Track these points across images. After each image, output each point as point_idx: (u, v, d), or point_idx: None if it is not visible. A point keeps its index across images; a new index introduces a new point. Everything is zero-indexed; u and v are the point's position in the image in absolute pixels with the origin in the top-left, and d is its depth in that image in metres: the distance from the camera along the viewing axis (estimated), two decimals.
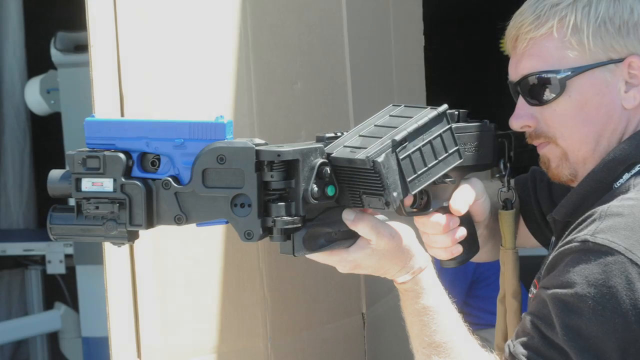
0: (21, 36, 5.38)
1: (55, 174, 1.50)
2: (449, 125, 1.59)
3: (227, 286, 1.96)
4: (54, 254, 4.76)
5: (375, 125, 1.56)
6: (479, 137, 1.78)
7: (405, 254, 1.58)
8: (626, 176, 1.64)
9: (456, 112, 1.75)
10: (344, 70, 2.19)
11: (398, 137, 1.50)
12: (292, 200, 1.45)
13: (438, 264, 1.72)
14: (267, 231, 1.46)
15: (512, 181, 1.88)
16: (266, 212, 1.44)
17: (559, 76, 1.66)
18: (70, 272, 4.73)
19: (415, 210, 1.70)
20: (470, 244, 1.78)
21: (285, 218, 1.44)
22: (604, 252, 1.52)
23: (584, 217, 1.60)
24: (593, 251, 1.52)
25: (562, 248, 1.57)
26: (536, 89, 1.69)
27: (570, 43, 1.66)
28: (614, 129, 1.68)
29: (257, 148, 1.43)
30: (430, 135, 1.56)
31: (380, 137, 1.51)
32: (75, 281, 4.59)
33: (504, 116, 1.79)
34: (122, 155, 1.45)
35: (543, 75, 1.67)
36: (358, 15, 2.25)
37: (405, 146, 1.52)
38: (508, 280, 1.87)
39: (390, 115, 1.58)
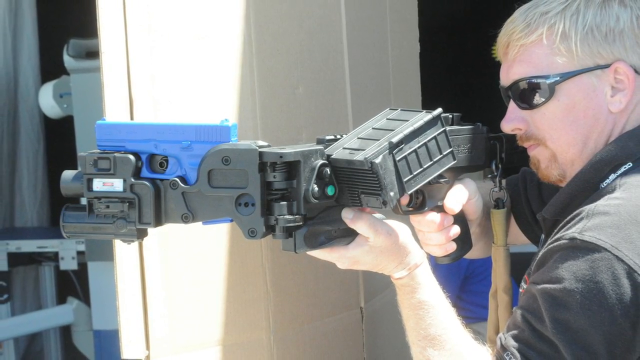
0: (35, 43, 5.40)
1: (67, 174, 1.53)
2: (444, 128, 1.61)
3: (232, 281, 1.97)
4: (67, 251, 4.80)
5: (373, 128, 1.58)
6: (472, 139, 1.80)
7: (402, 251, 1.61)
8: (612, 177, 1.66)
9: (450, 116, 1.78)
10: (343, 75, 2.19)
11: (395, 140, 1.53)
12: (293, 199, 1.48)
13: (433, 261, 1.75)
14: (270, 229, 1.48)
15: (503, 181, 1.90)
16: (269, 211, 1.47)
17: (548, 81, 1.69)
18: (82, 268, 4.76)
19: (411, 209, 1.73)
20: (464, 241, 1.80)
21: (287, 217, 1.47)
22: (591, 249, 1.54)
23: (572, 215, 1.62)
24: (581, 248, 1.55)
25: (551, 245, 1.60)
26: (526, 94, 1.71)
27: (559, 49, 1.68)
28: (600, 131, 1.70)
29: (260, 150, 1.45)
30: (425, 138, 1.58)
31: (378, 140, 1.54)
32: (86, 277, 4.63)
33: (495, 119, 1.81)
34: (131, 157, 1.48)
35: (533, 80, 1.70)
36: (357, 23, 2.24)
37: (402, 148, 1.54)
38: (499, 275, 1.89)
39: (388, 119, 1.60)
